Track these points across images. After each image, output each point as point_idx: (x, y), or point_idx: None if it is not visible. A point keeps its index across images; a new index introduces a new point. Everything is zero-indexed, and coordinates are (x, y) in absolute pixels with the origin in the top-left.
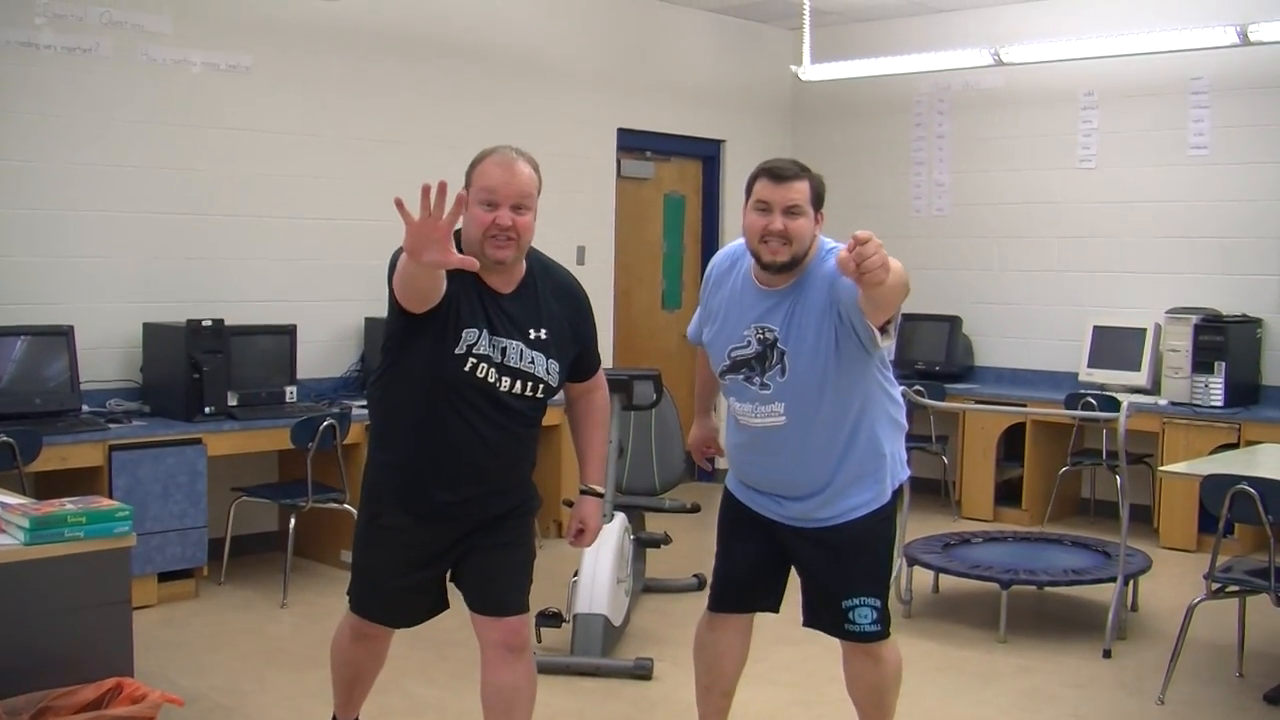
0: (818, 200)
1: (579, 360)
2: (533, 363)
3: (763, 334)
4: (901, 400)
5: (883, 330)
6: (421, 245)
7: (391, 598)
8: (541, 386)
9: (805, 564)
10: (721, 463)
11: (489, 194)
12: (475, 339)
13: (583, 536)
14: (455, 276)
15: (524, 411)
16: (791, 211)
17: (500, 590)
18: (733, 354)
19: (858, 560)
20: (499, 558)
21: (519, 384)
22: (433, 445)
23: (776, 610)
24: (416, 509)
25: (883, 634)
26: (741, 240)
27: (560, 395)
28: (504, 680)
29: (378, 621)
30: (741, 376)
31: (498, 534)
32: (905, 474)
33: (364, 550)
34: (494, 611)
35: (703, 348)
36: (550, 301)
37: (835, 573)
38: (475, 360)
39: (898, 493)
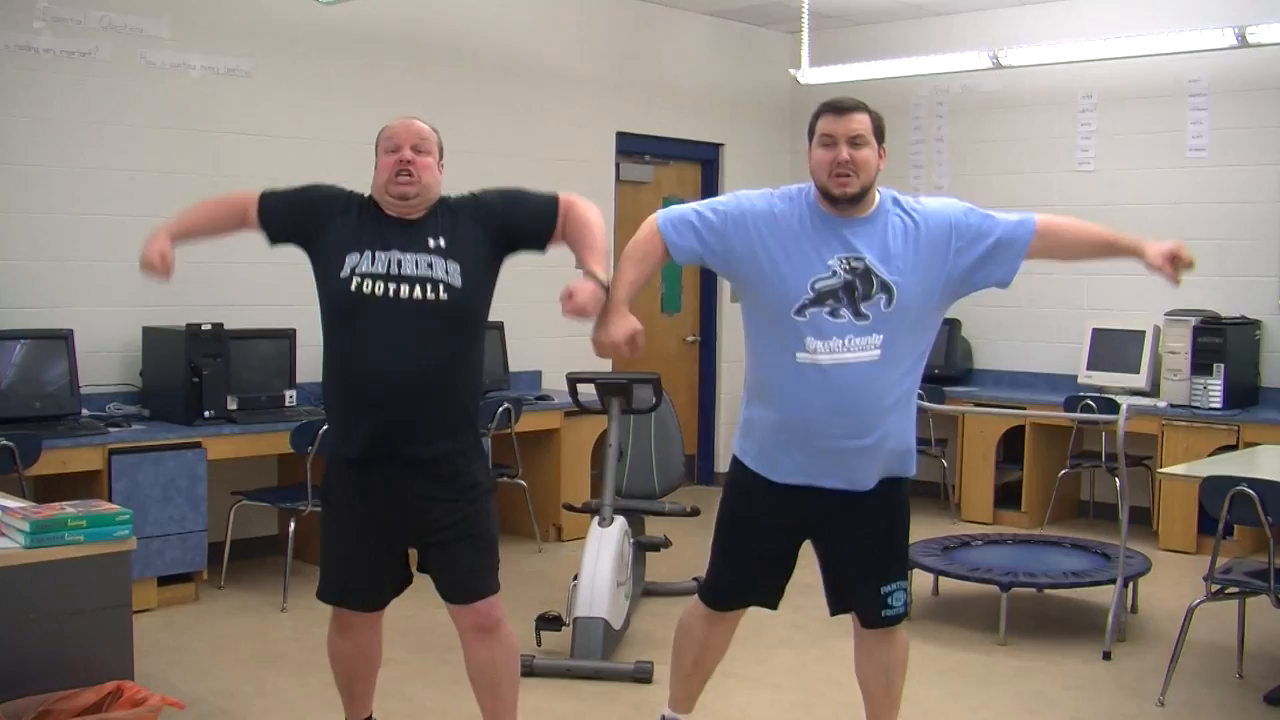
0: (879, 134)
1: (521, 217)
2: (430, 266)
3: (849, 263)
4: None
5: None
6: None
7: (351, 573)
8: (443, 287)
9: (843, 544)
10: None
11: (390, 141)
12: (357, 260)
13: (572, 299)
14: (352, 210)
15: (433, 324)
16: (856, 142)
17: (465, 578)
18: (817, 285)
19: (893, 540)
20: (461, 548)
21: (418, 289)
22: (352, 377)
23: (775, 607)
24: (350, 451)
25: (907, 614)
26: (781, 187)
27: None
28: (482, 658)
29: (344, 604)
30: (826, 309)
31: (454, 526)
32: None
33: (324, 535)
34: (462, 599)
35: (661, 237)
36: (454, 218)
37: (876, 554)
38: (359, 279)
39: None
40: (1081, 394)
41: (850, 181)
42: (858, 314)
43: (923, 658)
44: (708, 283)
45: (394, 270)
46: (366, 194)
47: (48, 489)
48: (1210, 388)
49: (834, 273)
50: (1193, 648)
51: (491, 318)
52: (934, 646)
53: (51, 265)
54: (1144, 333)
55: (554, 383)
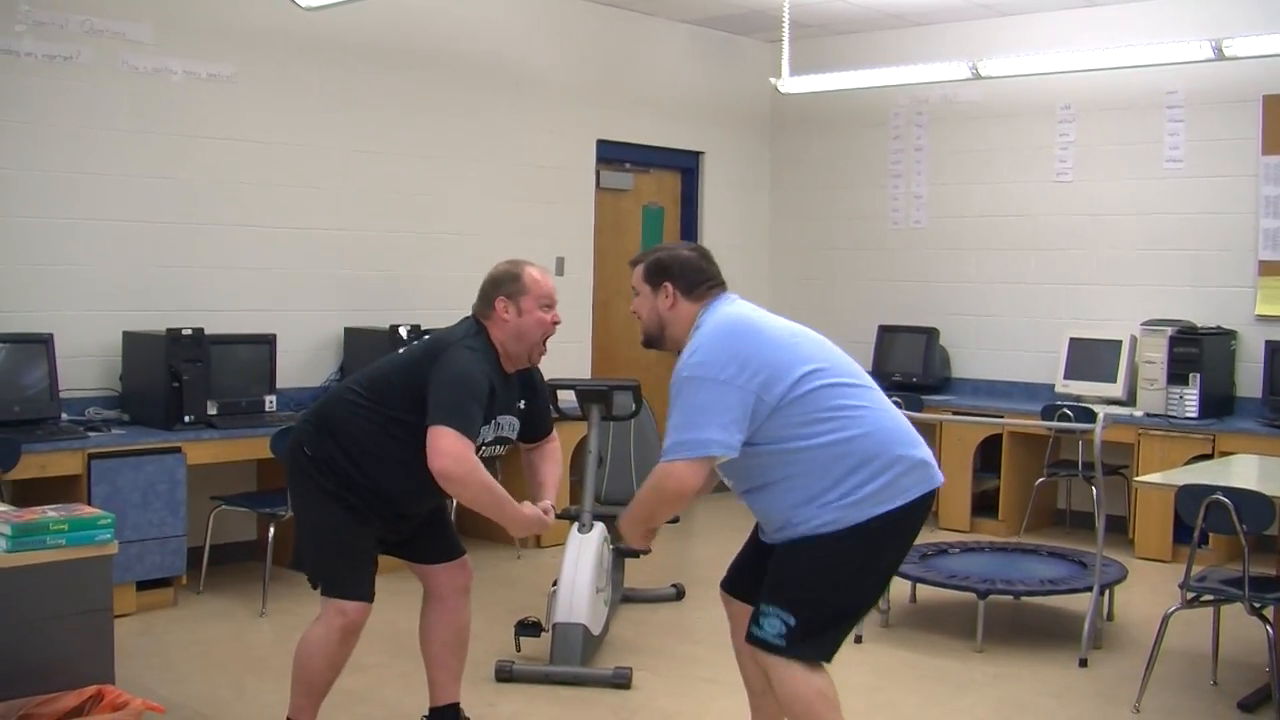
0: (654, 277)
1: (533, 421)
2: (512, 428)
3: None
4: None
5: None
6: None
7: (369, 569)
8: (507, 445)
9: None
10: None
11: (549, 297)
12: (487, 431)
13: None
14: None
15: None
16: (633, 291)
17: (452, 535)
18: None
19: (783, 570)
20: (437, 516)
21: (498, 447)
22: (414, 481)
23: (732, 593)
24: (380, 529)
25: (782, 649)
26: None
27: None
28: (461, 619)
29: (368, 597)
30: None
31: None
32: (867, 512)
33: (341, 532)
34: (453, 555)
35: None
36: (524, 381)
37: (770, 571)
38: (483, 447)
39: (864, 532)
40: (1059, 403)
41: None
42: None
43: (901, 664)
44: None
45: (492, 436)
46: (485, 344)
47: (26, 493)
48: (1186, 397)
49: None
50: (1168, 655)
51: None
52: (911, 653)
53: (31, 269)
54: (1121, 342)
55: None
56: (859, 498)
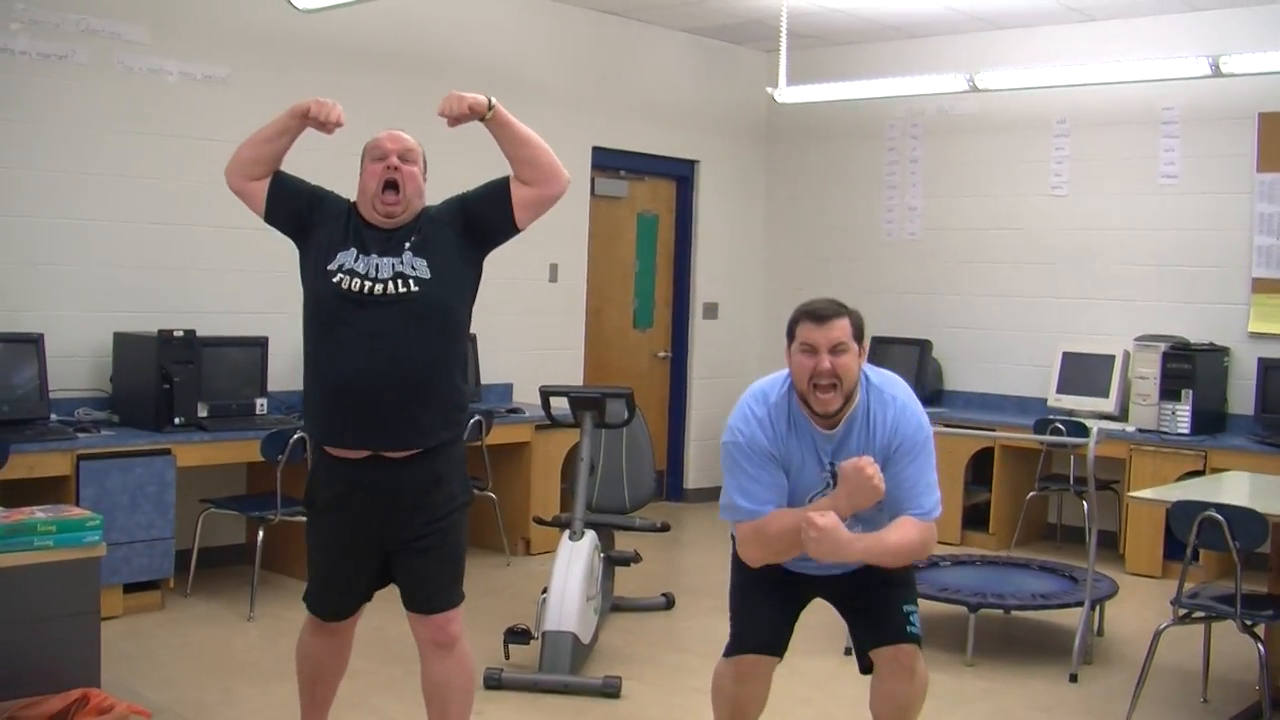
0: (859, 335)
1: (477, 197)
2: (402, 263)
3: (830, 472)
4: None
5: None
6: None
7: (332, 585)
8: (413, 281)
9: (854, 591)
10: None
11: (377, 150)
12: (345, 258)
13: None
14: (343, 215)
15: (405, 320)
16: (837, 350)
17: (428, 590)
18: (814, 499)
19: (903, 573)
20: (428, 560)
21: (390, 285)
22: (330, 374)
23: (780, 656)
24: (330, 443)
25: (920, 637)
26: (757, 394)
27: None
28: (435, 674)
29: (323, 616)
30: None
31: (426, 537)
32: None
33: (309, 542)
34: (422, 610)
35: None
36: (431, 224)
37: (891, 585)
38: (344, 275)
39: None
40: (1051, 417)
41: (833, 399)
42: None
43: None
44: (680, 298)
45: (372, 273)
46: (352, 200)
47: (14, 494)
48: (1178, 413)
49: (826, 483)
50: (1159, 671)
51: None
52: None
53: (23, 268)
54: (1114, 357)
55: (525, 396)
56: None
